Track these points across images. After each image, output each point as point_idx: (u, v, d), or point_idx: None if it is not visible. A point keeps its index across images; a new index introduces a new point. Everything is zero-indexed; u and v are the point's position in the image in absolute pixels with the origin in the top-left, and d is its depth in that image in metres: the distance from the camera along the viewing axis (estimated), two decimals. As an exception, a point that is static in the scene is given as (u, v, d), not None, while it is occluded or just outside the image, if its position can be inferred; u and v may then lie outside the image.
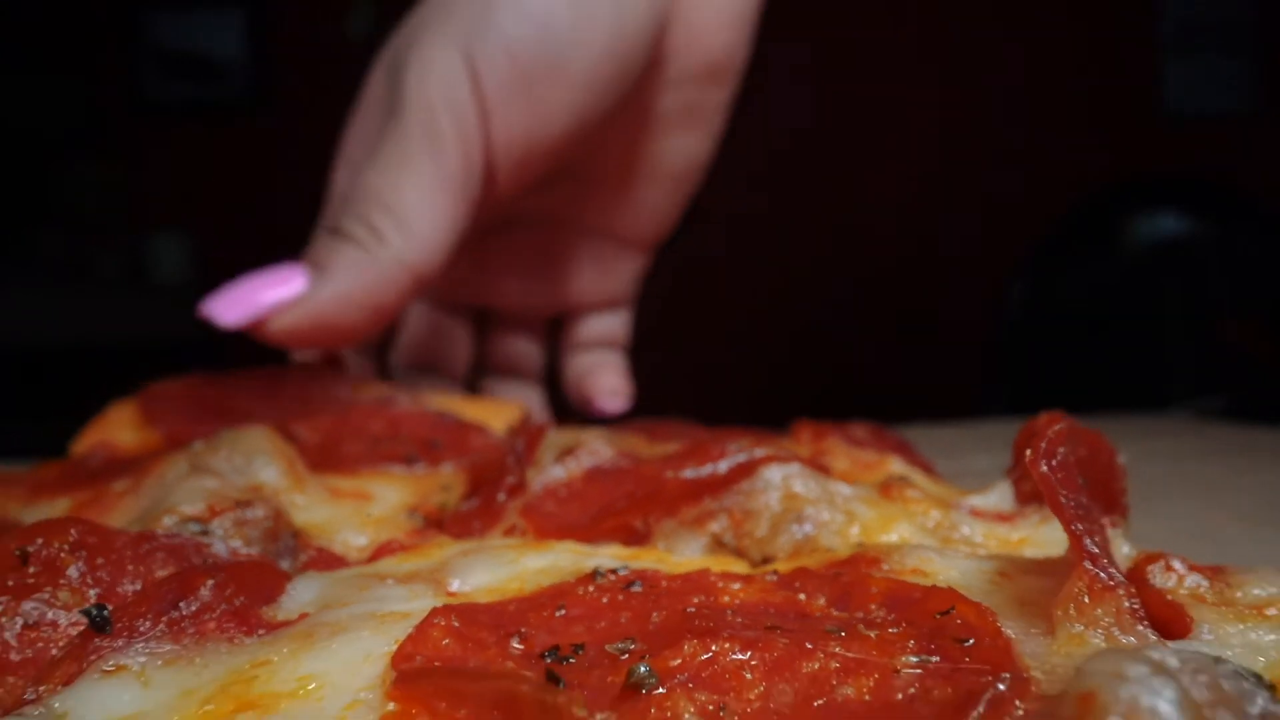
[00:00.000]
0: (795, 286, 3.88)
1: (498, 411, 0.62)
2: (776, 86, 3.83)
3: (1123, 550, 0.38)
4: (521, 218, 0.75)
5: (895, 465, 0.56)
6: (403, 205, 0.58)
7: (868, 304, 3.87)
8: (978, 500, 0.48)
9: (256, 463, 0.41)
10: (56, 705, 0.24)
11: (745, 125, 3.33)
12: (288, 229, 4.03)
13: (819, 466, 0.50)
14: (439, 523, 0.42)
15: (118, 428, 0.57)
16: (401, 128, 0.60)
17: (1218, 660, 0.21)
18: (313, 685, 0.25)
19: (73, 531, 0.29)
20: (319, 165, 3.24)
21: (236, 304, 0.60)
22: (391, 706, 0.23)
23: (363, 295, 0.57)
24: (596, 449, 0.52)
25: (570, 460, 0.51)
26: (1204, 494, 0.79)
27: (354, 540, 0.39)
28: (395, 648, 0.26)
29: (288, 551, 0.36)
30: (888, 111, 3.86)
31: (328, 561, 0.37)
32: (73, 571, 0.28)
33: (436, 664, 0.25)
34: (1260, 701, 0.19)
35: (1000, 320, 3.70)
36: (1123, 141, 3.83)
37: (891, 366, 3.79)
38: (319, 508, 0.40)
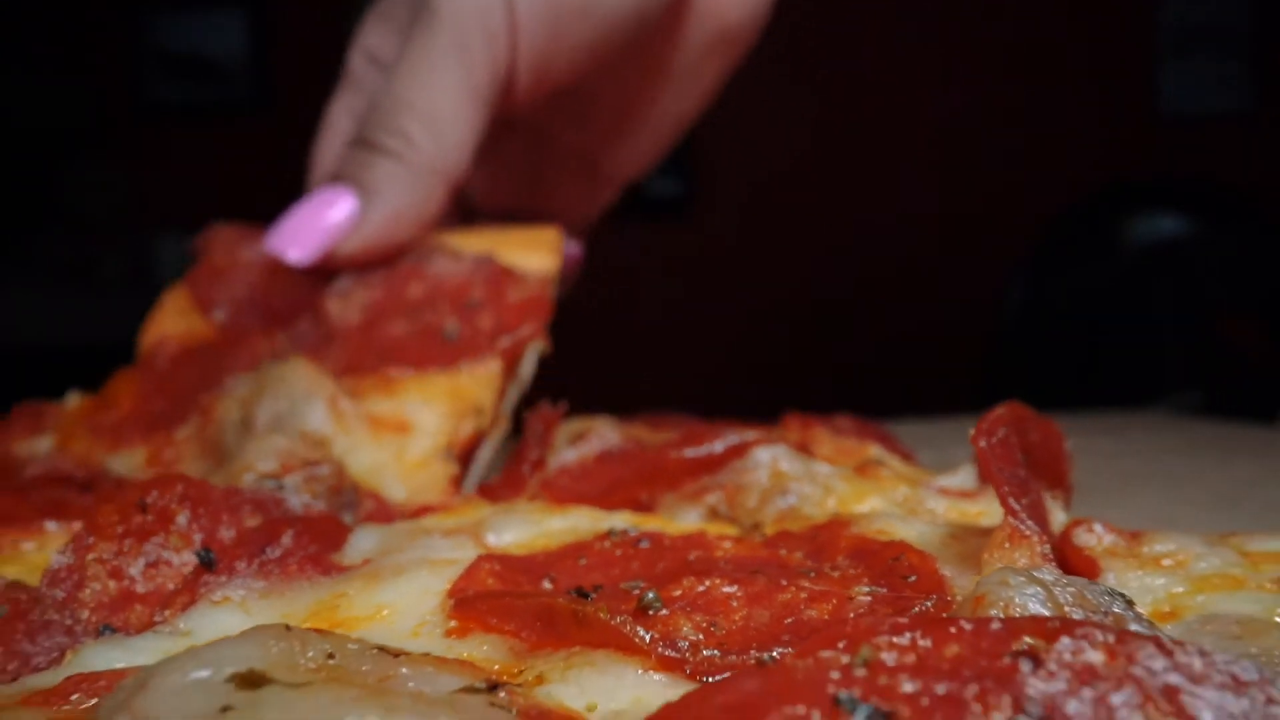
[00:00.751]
0: (796, 287, 3.94)
1: (536, 240, 0.66)
2: (779, 87, 3.90)
3: (1059, 517, 0.44)
4: (520, 126, 0.79)
5: (874, 451, 0.63)
6: (434, 111, 0.62)
7: (867, 304, 3.94)
8: (944, 480, 0.54)
9: (301, 408, 0.47)
10: (181, 626, 0.31)
11: (748, 125, 3.39)
12: None
13: (804, 450, 0.56)
14: (469, 453, 0.49)
15: (172, 317, 0.63)
16: (432, 36, 0.62)
17: (1092, 583, 0.28)
18: (385, 612, 0.32)
19: (179, 486, 0.35)
20: None
21: (299, 238, 0.63)
22: (453, 624, 0.30)
23: (412, 210, 0.61)
24: (605, 434, 0.59)
25: (582, 444, 0.58)
26: (1168, 487, 0.85)
27: (395, 494, 0.45)
28: (448, 585, 0.33)
29: (349, 505, 0.43)
30: (888, 113, 3.93)
31: (383, 514, 0.44)
32: (181, 520, 0.35)
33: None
34: (1116, 608, 0.26)
35: (999, 319, 3.77)
36: (1119, 142, 3.90)
37: (891, 365, 3.86)
38: (362, 450, 0.47)
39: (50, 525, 0.40)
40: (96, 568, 0.33)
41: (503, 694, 0.22)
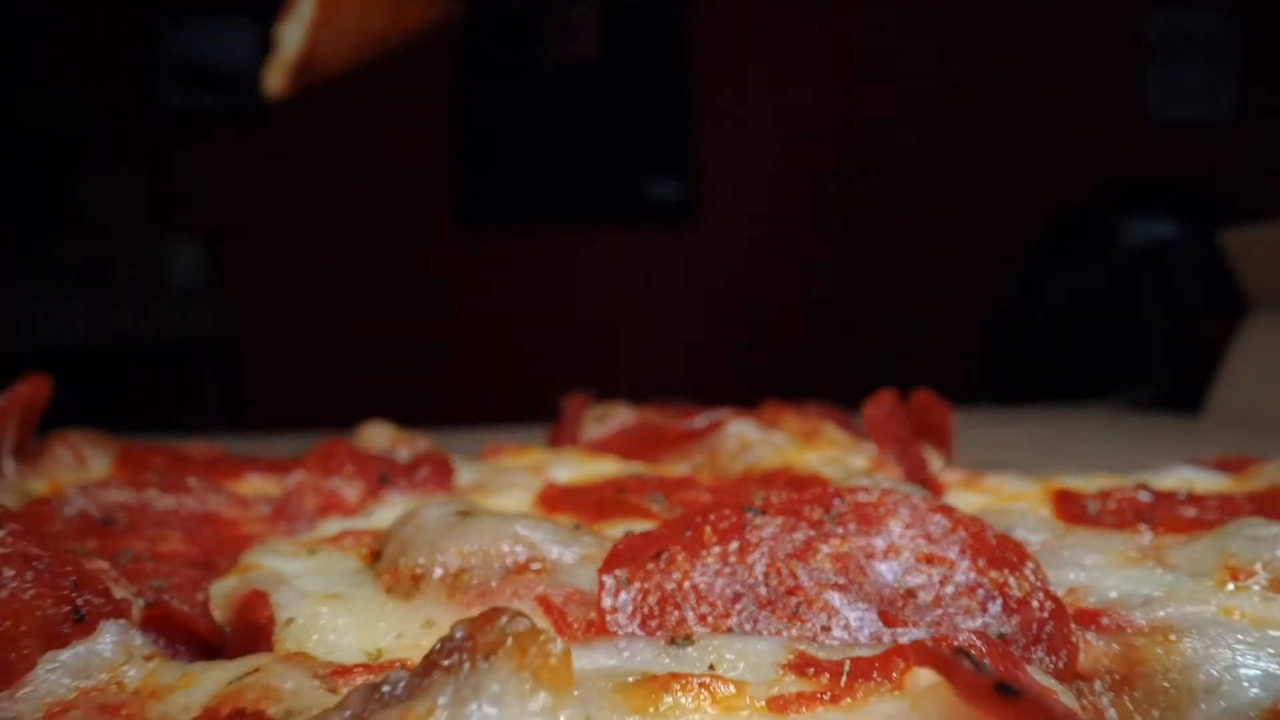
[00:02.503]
0: (795, 287, 4.16)
1: None
2: (778, 93, 4.13)
3: (936, 465, 0.67)
4: None
5: (829, 429, 0.85)
6: None
7: (865, 302, 4.16)
8: (870, 446, 0.77)
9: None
10: (375, 516, 0.53)
11: (747, 131, 3.66)
12: (299, 232, 4.41)
13: (773, 425, 0.79)
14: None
15: None
16: None
17: (905, 483, 0.50)
18: (493, 505, 0.54)
19: (346, 449, 0.58)
20: (329, 171, 3.77)
21: None
22: (541, 512, 0.52)
23: None
24: (622, 415, 0.81)
25: (605, 423, 0.81)
26: (1064, 460, 1.06)
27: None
28: (533, 495, 0.55)
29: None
30: (885, 117, 4.15)
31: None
32: (348, 468, 0.57)
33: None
34: (914, 492, 0.48)
35: (992, 317, 4.01)
36: (1109, 147, 4.12)
37: (888, 360, 4.07)
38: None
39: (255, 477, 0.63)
40: (312, 487, 0.55)
41: (583, 530, 0.44)
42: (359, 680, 0.27)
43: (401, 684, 0.21)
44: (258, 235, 4.29)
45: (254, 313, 4.31)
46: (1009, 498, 0.57)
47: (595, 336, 4.18)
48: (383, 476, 0.56)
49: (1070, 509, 0.50)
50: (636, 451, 0.73)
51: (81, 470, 0.63)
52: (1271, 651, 0.29)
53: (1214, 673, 0.28)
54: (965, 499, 0.57)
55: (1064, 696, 0.28)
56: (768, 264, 4.15)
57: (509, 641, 0.21)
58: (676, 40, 4.13)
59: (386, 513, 0.53)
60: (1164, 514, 0.48)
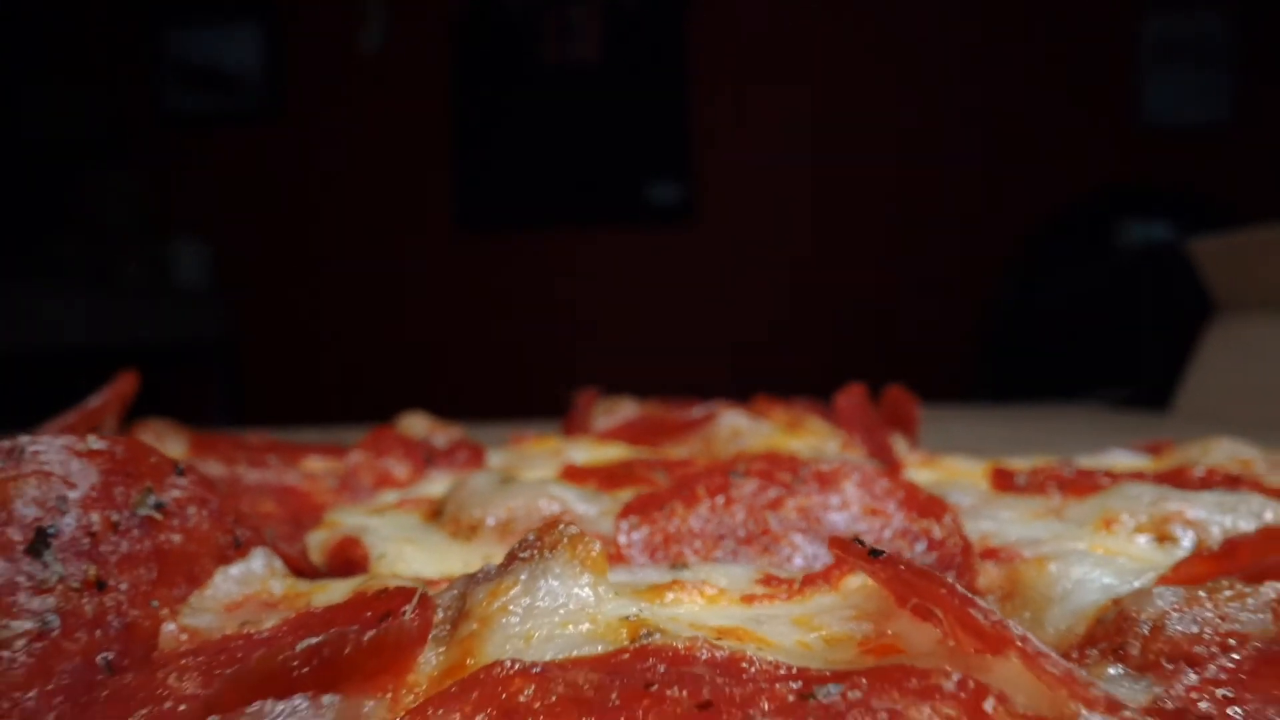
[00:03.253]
0: (794, 288, 4.28)
1: None
2: (776, 99, 4.25)
3: (902, 449, 0.78)
4: None
5: (812, 420, 0.96)
6: None
7: (865, 302, 4.27)
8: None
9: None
10: (424, 488, 0.65)
11: (746, 136, 3.80)
12: (303, 234, 4.55)
13: (762, 417, 0.90)
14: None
15: None
16: None
17: (870, 459, 0.62)
18: (524, 475, 0.65)
19: (396, 436, 0.69)
20: (331, 173, 3.95)
21: None
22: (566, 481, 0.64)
23: None
24: (627, 409, 0.93)
25: (611, 416, 0.92)
26: (1031, 449, 1.18)
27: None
28: (554, 472, 0.67)
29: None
30: (885, 122, 4.27)
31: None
32: (398, 450, 0.68)
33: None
34: (872, 465, 0.59)
35: (991, 317, 4.12)
36: (1105, 151, 4.24)
37: (889, 358, 4.19)
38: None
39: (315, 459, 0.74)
40: (368, 466, 0.67)
41: (601, 494, 0.56)
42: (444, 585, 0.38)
43: (492, 570, 0.33)
44: (260, 237, 4.41)
45: (256, 313, 4.42)
46: (957, 473, 0.69)
47: (595, 336, 4.29)
48: (427, 457, 0.67)
49: (1003, 481, 0.62)
50: (641, 439, 0.84)
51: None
52: (1114, 571, 0.41)
53: (1068, 585, 0.40)
54: (920, 474, 0.68)
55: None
56: (766, 265, 4.27)
57: (565, 540, 0.32)
58: (677, 43, 4.25)
59: (433, 486, 0.65)
60: (1079, 484, 0.60)
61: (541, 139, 4.27)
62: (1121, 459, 0.74)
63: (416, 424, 0.78)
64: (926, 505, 0.48)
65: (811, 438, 0.85)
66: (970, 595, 0.30)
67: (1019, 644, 0.27)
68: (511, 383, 4.24)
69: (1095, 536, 0.46)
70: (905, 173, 4.31)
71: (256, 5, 4.38)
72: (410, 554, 0.46)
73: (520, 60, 4.25)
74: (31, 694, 0.30)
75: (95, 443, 0.36)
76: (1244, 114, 4.23)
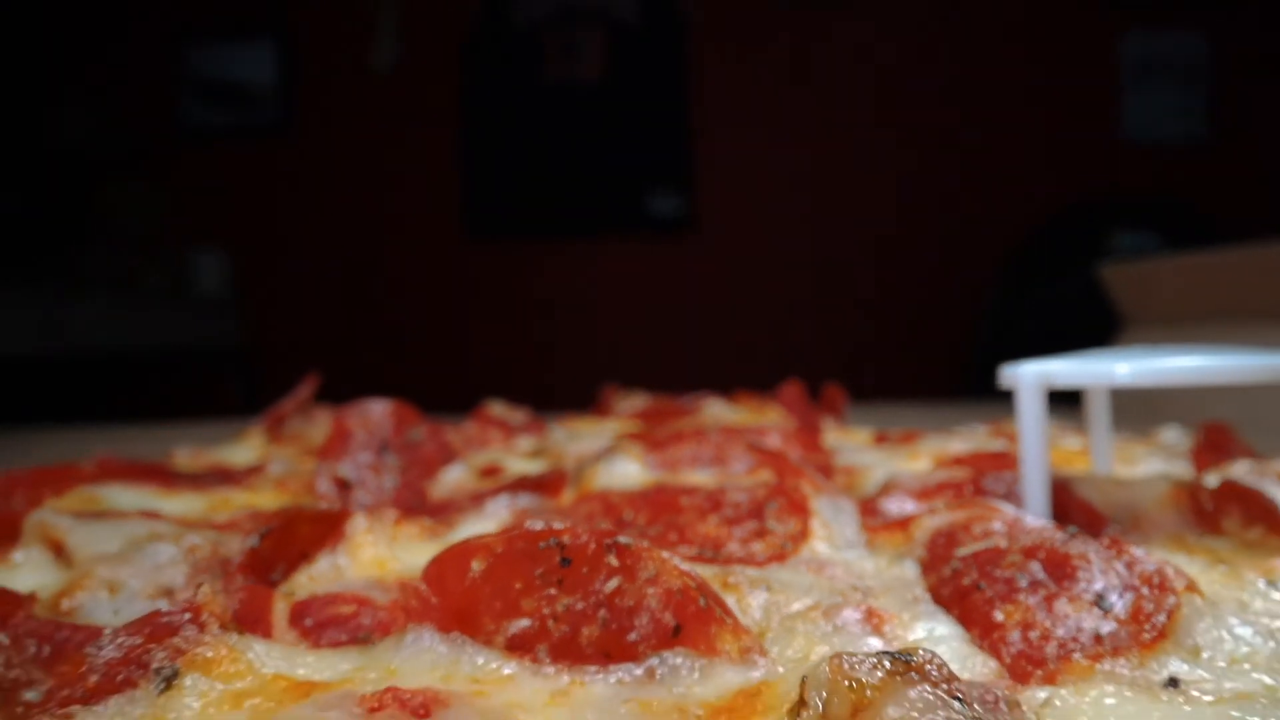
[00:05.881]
0: (791, 296, 4.73)
1: None
2: (774, 113, 4.71)
3: (830, 425, 1.22)
4: None
5: (772, 408, 1.41)
6: None
7: (856, 312, 4.73)
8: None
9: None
10: (519, 448, 1.09)
11: (745, 149, 4.34)
12: (318, 243, 5.12)
13: (736, 404, 1.35)
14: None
15: None
16: None
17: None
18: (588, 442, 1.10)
19: (487, 414, 1.14)
20: (344, 185, 4.62)
21: None
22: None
23: None
24: (640, 399, 1.38)
25: (630, 403, 1.37)
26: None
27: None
28: (608, 439, 1.12)
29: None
30: (878, 138, 4.72)
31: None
32: (494, 426, 1.12)
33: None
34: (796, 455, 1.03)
35: (975, 328, 4.58)
36: (1085, 166, 4.69)
37: (879, 362, 4.64)
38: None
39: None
40: (477, 434, 1.11)
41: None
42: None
43: (587, 457, 0.77)
44: (278, 246, 4.85)
45: (272, 319, 4.86)
46: (854, 436, 1.13)
47: (598, 340, 4.73)
48: (512, 430, 1.11)
49: (880, 438, 1.06)
50: (651, 419, 1.29)
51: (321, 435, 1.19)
52: (894, 467, 0.85)
53: (876, 481, 0.84)
54: (830, 437, 1.13)
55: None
56: (763, 275, 4.72)
57: (621, 447, 0.77)
58: (677, 61, 4.70)
59: (522, 444, 1.09)
60: (910, 437, 1.04)
61: (547, 153, 4.71)
62: (969, 431, 1.18)
63: (498, 407, 1.22)
64: (804, 447, 0.93)
65: (771, 418, 1.29)
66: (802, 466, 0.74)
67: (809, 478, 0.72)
68: (517, 383, 4.67)
69: (912, 462, 0.91)
70: (895, 189, 4.76)
71: (272, 24, 4.82)
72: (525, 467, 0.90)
73: (526, 78, 4.70)
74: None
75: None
76: (1220, 131, 4.68)
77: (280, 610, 0.46)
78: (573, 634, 0.41)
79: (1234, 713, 0.36)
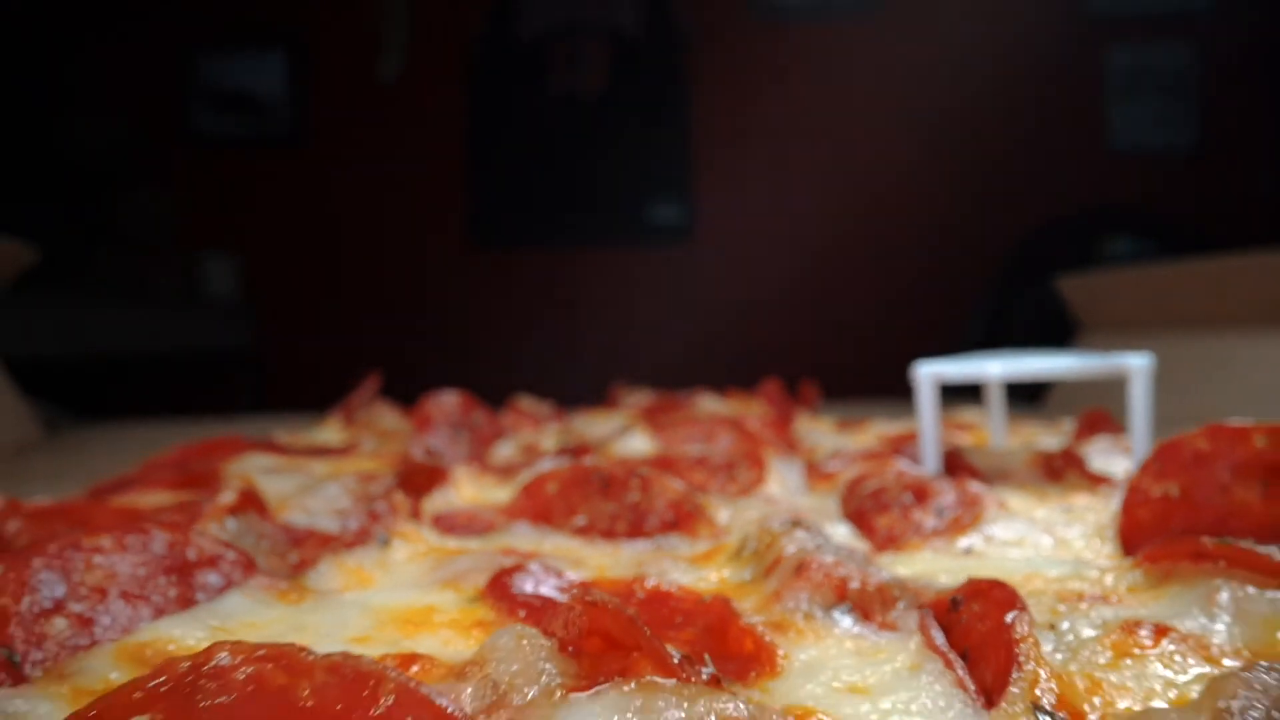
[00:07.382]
0: (787, 303, 5.02)
1: None
2: (772, 124, 5.00)
3: (804, 415, 1.52)
4: None
5: (757, 402, 1.71)
6: None
7: (850, 319, 5.02)
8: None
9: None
10: (549, 432, 1.39)
11: (744, 159, 4.71)
12: (325, 249, 5.51)
13: (726, 398, 1.65)
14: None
15: None
16: None
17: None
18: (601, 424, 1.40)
19: (520, 407, 1.43)
20: (352, 193, 5.07)
21: None
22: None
23: None
24: (644, 395, 1.68)
25: (635, 398, 1.67)
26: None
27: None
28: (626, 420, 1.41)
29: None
30: (873, 148, 5.02)
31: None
32: (527, 417, 1.41)
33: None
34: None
35: (967, 335, 4.87)
36: (1075, 175, 4.99)
37: (873, 364, 4.92)
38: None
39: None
40: (512, 421, 1.41)
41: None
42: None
43: (616, 430, 1.06)
44: (287, 252, 5.13)
45: (281, 324, 5.14)
46: (819, 424, 1.42)
47: (599, 347, 5.03)
48: (540, 419, 1.41)
49: (842, 424, 1.36)
50: (653, 412, 1.58)
51: (387, 422, 1.48)
52: (843, 443, 1.14)
53: (827, 452, 1.13)
54: (800, 423, 1.42)
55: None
56: (758, 282, 5.01)
57: (638, 424, 1.06)
58: (678, 74, 5.00)
59: (551, 429, 1.38)
60: (853, 424, 1.34)
61: (550, 163, 5.00)
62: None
63: (526, 402, 1.52)
64: (773, 430, 1.22)
65: (756, 409, 1.59)
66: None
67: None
68: (518, 384, 4.96)
69: (839, 438, 1.20)
70: (888, 199, 5.05)
71: (283, 35, 5.10)
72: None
73: (531, 89, 4.99)
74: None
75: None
76: (1207, 141, 4.98)
77: (425, 517, 0.76)
78: (610, 525, 0.71)
79: (977, 563, 0.65)
